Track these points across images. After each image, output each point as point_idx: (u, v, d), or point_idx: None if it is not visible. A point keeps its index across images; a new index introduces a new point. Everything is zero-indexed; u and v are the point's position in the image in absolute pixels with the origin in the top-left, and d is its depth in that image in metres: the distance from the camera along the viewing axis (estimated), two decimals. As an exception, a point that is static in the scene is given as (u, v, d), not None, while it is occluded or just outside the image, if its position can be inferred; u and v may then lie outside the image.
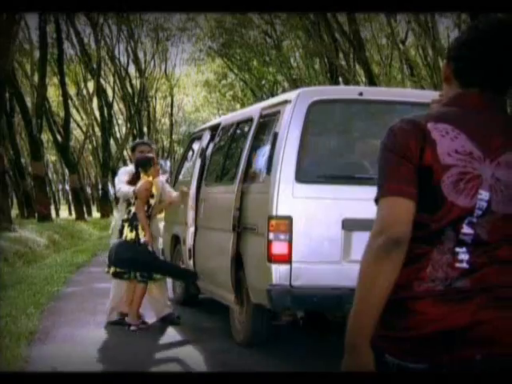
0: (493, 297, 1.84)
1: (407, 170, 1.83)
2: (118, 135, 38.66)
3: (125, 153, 34.73)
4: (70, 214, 39.90)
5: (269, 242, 5.53)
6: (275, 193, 5.56)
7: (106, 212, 31.21)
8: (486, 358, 1.81)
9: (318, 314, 7.06)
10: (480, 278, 1.84)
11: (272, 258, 5.52)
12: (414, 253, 1.86)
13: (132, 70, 37.19)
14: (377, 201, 1.86)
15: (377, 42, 24.45)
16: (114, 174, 29.65)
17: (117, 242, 7.22)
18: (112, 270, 7.18)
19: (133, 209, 7.23)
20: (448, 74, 1.99)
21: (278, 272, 5.50)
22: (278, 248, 5.52)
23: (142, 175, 7.27)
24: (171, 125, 45.35)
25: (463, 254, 1.85)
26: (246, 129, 6.77)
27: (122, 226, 7.22)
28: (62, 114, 30.91)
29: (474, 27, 1.98)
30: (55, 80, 31.95)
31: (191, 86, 47.13)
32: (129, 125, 35.54)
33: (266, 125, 6.26)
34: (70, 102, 30.59)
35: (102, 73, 33.35)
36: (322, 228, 5.58)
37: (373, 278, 1.80)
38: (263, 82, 33.64)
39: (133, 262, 7.10)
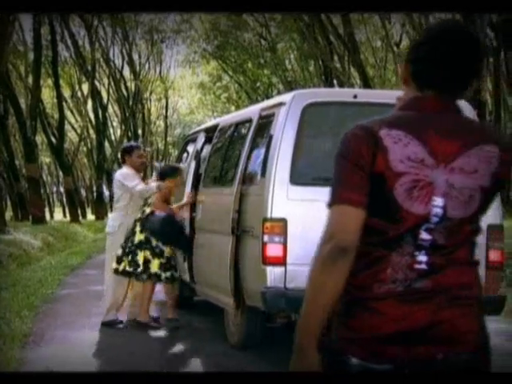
0: (451, 296, 1.86)
1: (359, 178, 1.84)
2: (113, 137, 38.63)
3: (119, 155, 34.66)
4: (65, 216, 39.87)
5: (263, 244, 5.52)
6: (270, 195, 5.56)
7: (100, 214, 31.15)
8: (447, 357, 1.83)
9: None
10: (439, 278, 1.86)
11: (266, 260, 5.52)
12: (373, 256, 1.87)
13: (127, 72, 37.22)
14: (330, 205, 1.86)
15: (371, 44, 24.52)
16: (109, 175, 29.92)
17: (164, 214, 7.19)
18: (121, 267, 7.15)
19: (147, 209, 7.23)
20: (406, 76, 1.98)
21: (273, 274, 5.50)
22: (273, 250, 5.51)
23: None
24: (166, 127, 45.35)
25: (422, 256, 1.87)
26: (245, 130, 6.75)
27: (134, 225, 7.23)
28: (56, 115, 30.85)
29: (431, 29, 1.97)
30: (49, 82, 31.91)
31: (186, 88, 47.13)
32: (123, 127, 35.52)
33: (265, 126, 6.25)
34: (64, 103, 30.53)
35: (97, 75, 33.34)
36: (316, 230, 5.50)
37: (320, 283, 1.83)
38: (258, 84, 33.67)
39: (169, 235, 7.16)
